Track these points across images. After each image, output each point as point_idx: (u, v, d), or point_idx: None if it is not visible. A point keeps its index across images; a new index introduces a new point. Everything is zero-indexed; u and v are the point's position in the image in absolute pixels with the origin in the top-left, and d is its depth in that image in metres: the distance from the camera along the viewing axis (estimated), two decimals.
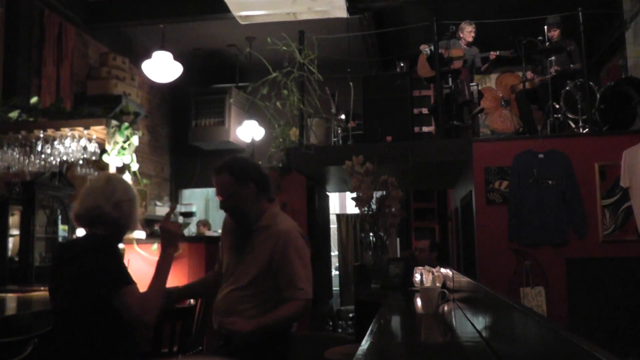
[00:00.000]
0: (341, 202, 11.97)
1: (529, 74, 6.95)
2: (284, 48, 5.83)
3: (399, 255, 9.11)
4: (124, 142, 5.37)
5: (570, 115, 6.16)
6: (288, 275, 2.60)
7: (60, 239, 6.77)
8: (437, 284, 3.80)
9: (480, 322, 2.32)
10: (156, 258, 2.55)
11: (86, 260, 2.32)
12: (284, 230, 2.67)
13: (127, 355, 2.39)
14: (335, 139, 6.63)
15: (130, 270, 2.39)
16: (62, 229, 6.80)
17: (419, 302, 3.26)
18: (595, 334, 4.82)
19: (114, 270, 2.33)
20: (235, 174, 2.70)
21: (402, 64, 7.71)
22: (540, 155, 5.40)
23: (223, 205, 2.73)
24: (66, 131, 5.45)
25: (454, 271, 3.69)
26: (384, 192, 4.93)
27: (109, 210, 2.45)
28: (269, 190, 2.79)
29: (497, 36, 7.17)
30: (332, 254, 9.62)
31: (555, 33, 6.70)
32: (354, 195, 4.94)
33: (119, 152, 5.33)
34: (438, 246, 5.99)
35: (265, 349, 2.60)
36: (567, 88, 6.20)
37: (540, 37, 6.68)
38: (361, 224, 5.06)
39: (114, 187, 2.52)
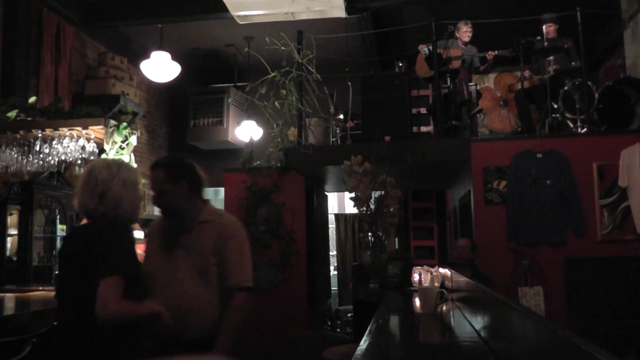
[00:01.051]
0: (340, 202, 11.96)
1: (527, 73, 6.95)
2: (282, 48, 5.83)
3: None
4: (123, 141, 5.38)
5: (568, 115, 6.16)
6: (235, 269, 2.71)
7: (58, 239, 6.78)
8: (436, 284, 3.80)
9: (478, 321, 2.32)
10: None
11: (89, 246, 2.28)
12: (228, 224, 2.82)
13: (133, 349, 2.36)
14: (333, 139, 6.63)
15: None
16: (60, 229, 6.80)
17: (417, 301, 3.26)
18: (593, 334, 4.82)
19: (108, 256, 2.26)
20: (169, 171, 2.75)
21: (400, 64, 7.71)
22: (539, 155, 5.40)
23: (155, 201, 2.77)
24: (64, 131, 5.46)
25: (452, 271, 3.70)
26: (383, 192, 4.94)
27: (94, 205, 2.38)
28: (201, 190, 2.86)
29: (495, 36, 7.16)
30: (331, 253, 9.62)
31: (551, 29, 6.71)
32: (353, 195, 4.94)
33: (117, 152, 5.33)
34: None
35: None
36: (566, 88, 6.20)
37: (538, 37, 6.68)
38: (360, 223, 5.06)
39: (95, 179, 2.42)
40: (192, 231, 2.75)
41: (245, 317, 2.75)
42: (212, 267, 2.70)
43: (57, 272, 2.62)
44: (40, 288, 4.97)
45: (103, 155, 5.32)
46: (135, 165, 5.07)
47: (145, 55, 6.70)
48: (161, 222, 2.89)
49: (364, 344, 2.01)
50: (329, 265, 8.30)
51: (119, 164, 2.53)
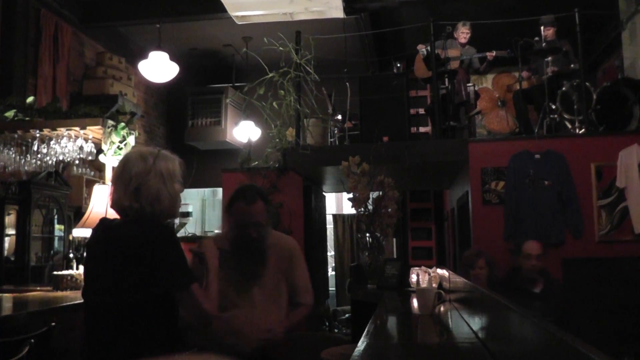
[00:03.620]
0: (338, 203, 11.98)
1: (525, 74, 6.95)
2: (281, 48, 5.83)
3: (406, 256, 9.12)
4: (121, 142, 5.36)
5: (566, 116, 6.16)
6: (302, 286, 2.93)
7: (56, 239, 6.77)
8: (434, 285, 3.80)
9: (476, 322, 2.32)
10: None
11: (149, 252, 2.07)
12: (290, 245, 2.98)
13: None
14: (331, 140, 6.63)
15: None
16: (58, 229, 6.79)
17: (415, 302, 3.26)
18: (591, 335, 4.82)
19: (182, 264, 2.14)
20: (266, 201, 2.84)
21: (398, 65, 7.71)
22: (537, 156, 5.41)
23: (251, 235, 2.76)
24: (62, 131, 5.44)
25: (450, 272, 3.70)
26: (381, 193, 4.93)
27: (129, 202, 2.17)
28: None
29: (493, 36, 7.18)
30: (329, 254, 9.62)
31: (549, 32, 6.71)
32: (351, 195, 4.93)
33: (115, 152, 5.32)
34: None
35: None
36: (564, 88, 6.20)
37: (536, 38, 6.69)
38: (357, 224, 5.05)
39: (129, 172, 2.19)
40: (266, 254, 2.83)
41: (301, 323, 3.01)
42: (283, 291, 2.89)
43: (83, 269, 2.42)
44: (38, 288, 4.96)
45: (101, 156, 5.30)
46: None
47: (143, 55, 6.70)
48: (224, 255, 2.66)
49: (361, 344, 2.01)
50: (326, 265, 8.30)
51: (155, 154, 2.26)
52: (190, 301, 2.15)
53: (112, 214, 2.33)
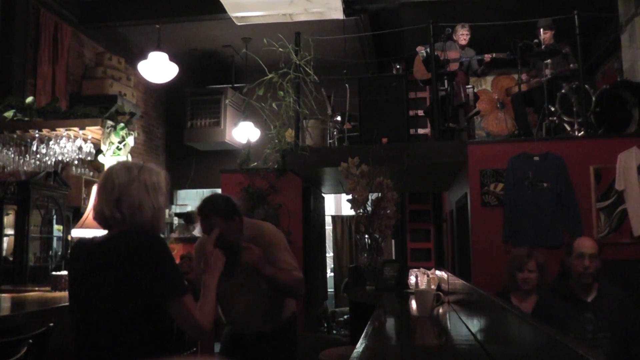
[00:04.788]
0: (336, 204, 11.98)
1: (525, 77, 6.95)
2: (280, 49, 5.83)
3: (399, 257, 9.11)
4: (120, 142, 5.36)
5: (565, 118, 6.16)
6: (283, 263, 3.06)
7: (55, 239, 6.77)
8: (432, 286, 3.80)
9: (474, 324, 2.32)
10: None
11: (139, 262, 2.04)
12: (269, 232, 3.17)
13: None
14: (330, 141, 6.63)
15: None
16: (57, 229, 6.80)
17: (413, 304, 3.26)
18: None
19: (172, 275, 2.11)
20: (221, 213, 2.97)
21: (398, 66, 7.71)
22: (536, 158, 5.41)
23: (218, 244, 2.78)
24: (61, 131, 5.45)
25: (449, 273, 3.70)
26: (380, 194, 4.93)
27: (110, 212, 2.14)
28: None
29: (493, 38, 7.19)
30: (327, 255, 9.63)
31: (546, 35, 6.72)
32: (350, 196, 4.93)
33: (114, 153, 5.32)
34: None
35: (276, 347, 3.16)
36: (563, 91, 6.20)
37: (536, 40, 6.69)
38: (356, 225, 5.04)
39: (112, 183, 2.16)
40: (244, 251, 2.99)
41: (290, 289, 3.10)
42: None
43: (68, 289, 2.36)
44: (37, 288, 4.96)
45: (100, 156, 5.30)
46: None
47: (143, 55, 6.70)
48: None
49: (360, 346, 2.01)
50: (325, 266, 8.30)
51: (139, 166, 2.24)
52: (181, 312, 2.09)
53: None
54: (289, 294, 3.19)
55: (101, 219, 2.19)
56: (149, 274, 2.04)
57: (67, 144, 5.49)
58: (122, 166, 2.26)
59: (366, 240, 4.88)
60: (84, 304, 2.15)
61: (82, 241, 2.28)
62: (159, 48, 6.47)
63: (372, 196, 5.02)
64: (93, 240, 2.20)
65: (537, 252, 4.03)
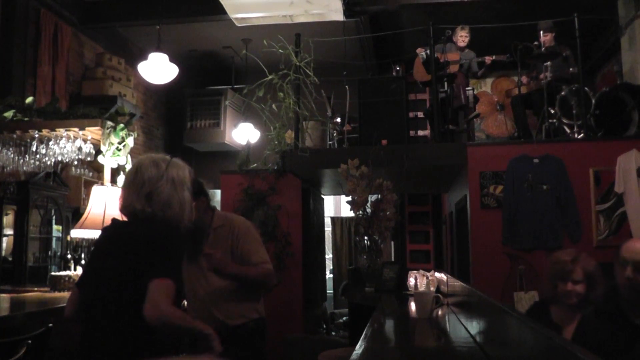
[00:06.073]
0: (336, 205, 11.97)
1: (524, 79, 6.96)
2: (280, 50, 5.84)
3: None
4: (119, 143, 5.36)
5: (565, 121, 6.17)
6: (253, 255, 3.16)
7: (54, 240, 6.77)
8: (431, 288, 3.80)
9: (474, 326, 2.32)
10: None
11: (152, 248, 2.10)
12: (239, 224, 3.24)
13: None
14: (330, 142, 6.63)
15: None
16: (56, 229, 6.79)
17: (413, 306, 3.27)
18: None
19: (162, 260, 2.10)
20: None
21: (398, 68, 7.72)
22: (535, 160, 5.42)
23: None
24: (61, 131, 5.44)
25: (448, 275, 3.70)
26: (379, 196, 4.94)
27: (141, 207, 2.20)
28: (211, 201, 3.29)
29: (493, 40, 7.19)
30: (327, 256, 9.62)
31: (547, 38, 6.72)
32: (349, 198, 4.94)
33: (114, 153, 5.32)
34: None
35: (247, 342, 3.21)
36: (563, 93, 6.21)
37: (536, 42, 6.70)
38: (356, 227, 5.05)
39: (142, 178, 2.23)
40: (210, 237, 3.16)
41: (259, 283, 3.24)
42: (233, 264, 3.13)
43: (88, 262, 2.43)
44: (36, 289, 4.96)
45: (99, 157, 5.29)
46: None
47: (143, 56, 6.69)
48: None
49: (359, 348, 2.01)
50: (324, 268, 8.30)
51: (167, 161, 2.31)
52: (156, 291, 2.02)
53: (110, 215, 2.35)
54: (258, 286, 3.30)
55: (130, 212, 2.24)
56: (155, 257, 2.10)
57: (67, 145, 5.48)
58: (150, 161, 2.31)
59: (365, 241, 4.88)
60: (93, 278, 2.21)
61: (114, 221, 2.34)
62: (159, 49, 6.46)
63: (372, 198, 5.03)
64: (123, 222, 2.29)
65: (585, 257, 2.83)
